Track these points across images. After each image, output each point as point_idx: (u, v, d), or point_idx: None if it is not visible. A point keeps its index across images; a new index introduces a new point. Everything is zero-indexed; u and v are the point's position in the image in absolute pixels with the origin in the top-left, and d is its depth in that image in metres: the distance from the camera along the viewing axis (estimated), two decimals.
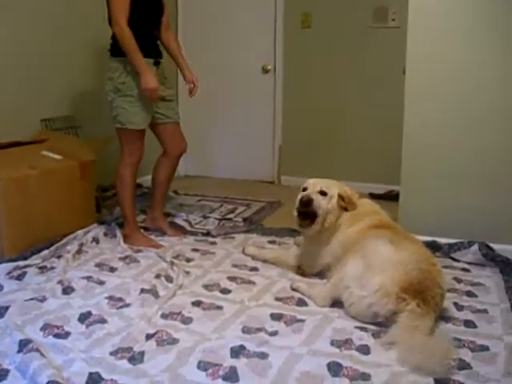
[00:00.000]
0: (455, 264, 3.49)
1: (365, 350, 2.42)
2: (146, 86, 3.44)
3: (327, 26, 5.46)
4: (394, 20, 5.17)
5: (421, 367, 2.22)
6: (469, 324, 2.68)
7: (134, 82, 3.54)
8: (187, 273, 3.27)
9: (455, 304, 2.89)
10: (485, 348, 2.44)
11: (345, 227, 3.17)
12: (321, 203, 3.18)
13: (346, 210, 3.22)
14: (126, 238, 3.82)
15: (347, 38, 5.39)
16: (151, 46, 3.70)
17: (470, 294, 3.04)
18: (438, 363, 2.22)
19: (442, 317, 2.72)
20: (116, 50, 3.56)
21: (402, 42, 3.77)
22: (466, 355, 2.38)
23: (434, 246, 3.62)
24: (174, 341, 2.48)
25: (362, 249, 2.85)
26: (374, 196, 5.19)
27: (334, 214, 3.20)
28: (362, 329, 2.59)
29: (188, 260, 3.50)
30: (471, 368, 2.28)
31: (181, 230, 4.08)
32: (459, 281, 3.22)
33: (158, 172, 3.94)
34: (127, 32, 3.41)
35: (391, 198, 4.83)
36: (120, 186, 3.76)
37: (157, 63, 3.70)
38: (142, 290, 3.01)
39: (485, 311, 2.82)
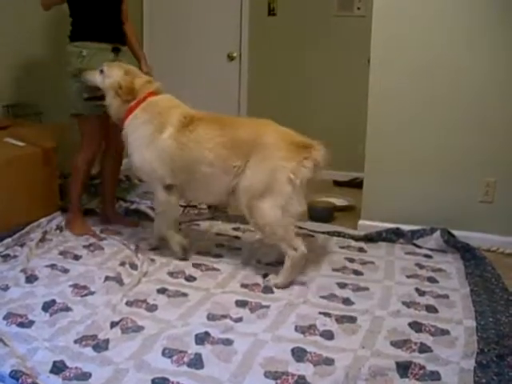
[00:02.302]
0: (418, 250, 3.55)
1: (328, 335, 2.46)
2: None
3: (293, 14, 5.46)
4: (359, 9, 5.20)
5: None
6: (430, 309, 2.73)
7: (90, 68, 3.45)
8: (152, 260, 3.26)
9: (417, 289, 2.95)
10: (445, 332, 2.50)
11: (147, 130, 3.17)
12: (94, 78, 3.30)
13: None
14: (67, 223, 3.81)
15: (312, 26, 5.40)
16: (111, 31, 3.63)
17: (431, 279, 3.10)
18: None
19: (404, 302, 2.78)
20: (74, 34, 3.55)
21: (367, 31, 3.80)
22: (427, 339, 2.43)
23: (397, 233, 3.68)
24: (139, 328, 2.48)
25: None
26: (338, 183, 5.25)
27: (110, 96, 3.25)
28: (325, 314, 2.63)
29: (153, 248, 3.48)
30: (432, 351, 2.33)
31: (144, 218, 4.08)
32: (421, 267, 3.28)
33: (106, 168, 3.91)
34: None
35: (356, 185, 4.89)
36: (73, 170, 3.74)
37: (115, 49, 3.63)
38: (107, 278, 3.00)
39: (446, 296, 2.89)
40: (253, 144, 3.00)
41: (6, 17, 4.10)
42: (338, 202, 4.53)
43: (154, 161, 3.13)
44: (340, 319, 2.60)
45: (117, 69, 3.28)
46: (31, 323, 2.51)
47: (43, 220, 3.75)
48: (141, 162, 3.19)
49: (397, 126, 3.75)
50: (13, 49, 4.19)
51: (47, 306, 2.66)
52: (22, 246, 3.42)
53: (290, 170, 2.92)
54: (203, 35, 5.80)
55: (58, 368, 2.16)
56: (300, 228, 3.89)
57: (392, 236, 3.69)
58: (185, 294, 2.84)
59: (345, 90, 5.35)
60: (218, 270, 3.17)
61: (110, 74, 3.25)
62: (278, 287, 2.94)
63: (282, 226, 2.94)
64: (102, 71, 3.28)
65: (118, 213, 4.12)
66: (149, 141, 3.14)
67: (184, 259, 3.29)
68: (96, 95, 3.35)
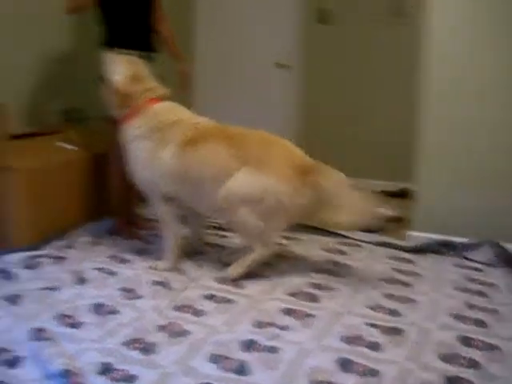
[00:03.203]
0: (467, 263, 3.49)
1: (375, 346, 2.42)
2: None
3: (343, 22, 5.44)
4: (410, 16, 5.14)
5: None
6: (479, 323, 2.67)
7: None
8: (199, 266, 3.28)
9: (466, 303, 2.89)
10: (495, 347, 2.44)
11: (147, 146, 3.11)
12: (109, 62, 3.27)
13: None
14: (116, 230, 3.85)
15: (363, 33, 5.37)
16: (140, 39, 3.69)
17: (481, 293, 3.04)
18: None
19: (452, 315, 2.73)
20: (107, 40, 3.61)
21: (418, 38, 3.76)
22: (476, 354, 2.37)
23: (446, 245, 3.62)
24: (186, 333, 2.50)
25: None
26: (386, 193, 5.19)
27: (108, 92, 3.22)
28: (372, 325, 2.60)
29: (201, 253, 3.50)
30: (481, 367, 2.28)
31: None
32: (471, 280, 3.21)
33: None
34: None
35: (404, 195, 4.82)
36: (110, 177, 3.79)
37: (145, 57, 3.66)
38: (154, 282, 3.03)
39: (495, 311, 2.82)
40: (257, 159, 2.96)
41: (60, 25, 4.21)
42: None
43: (154, 179, 3.13)
44: (386, 330, 2.56)
45: (123, 67, 3.21)
46: (80, 324, 2.55)
47: (93, 223, 3.82)
48: (140, 179, 3.20)
49: (449, 136, 3.69)
50: (67, 55, 4.29)
51: (96, 308, 2.70)
52: (72, 248, 3.48)
53: (281, 193, 2.90)
54: (253, 42, 5.82)
55: (105, 369, 2.19)
56: (347, 238, 3.89)
57: (441, 248, 3.63)
58: (231, 301, 2.84)
59: (395, 98, 5.30)
60: (265, 277, 3.17)
61: (116, 70, 3.20)
62: (233, 279, 3.00)
63: (258, 231, 2.97)
64: (114, 62, 3.24)
65: (140, 216, 4.15)
66: (149, 159, 3.10)
67: (169, 269, 3.25)
68: (102, 78, 3.29)
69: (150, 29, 3.79)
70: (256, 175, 2.92)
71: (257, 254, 3.04)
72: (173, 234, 3.28)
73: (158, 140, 3.08)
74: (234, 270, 3.06)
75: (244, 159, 2.96)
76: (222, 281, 3.02)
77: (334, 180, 2.99)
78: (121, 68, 3.20)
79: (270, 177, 2.90)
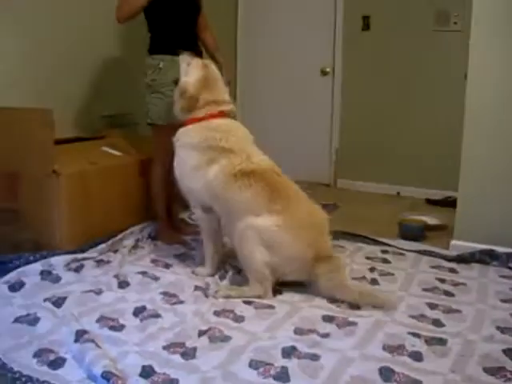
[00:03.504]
0: None
1: (417, 356, 2.38)
2: None
3: (387, 29, 5.41)
4: (455, 23, 5.08)
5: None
6: None
7: (164, 80, 3.59)
8: (239, 272, 3.28)
9: None
10: None
11: (196, 159, 3.06)
12: (183, 64, 3.22)
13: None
14: (157, 233, 3.88)
15: (407, 41, 5.33)
16: (187, 44, 3.67)
17: None
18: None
19: (498, 327, 2.66)
20: (153, 47, 3.67)
21: (463, 46, 3.72)
22: None
23: (491, 255, 3.55)
24: (226, 338, 2.50)
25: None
26: (430, 202, 5.14)
27: (176, 93, 3.20)
28: (414, 335, 2.56)
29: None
30: None
31: None
32: None
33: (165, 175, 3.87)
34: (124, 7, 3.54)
35: (448, 204, 4.75)
36: (152, 183, 3.82)
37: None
38: (196, 288, 3.05)
39: None
40: (291, 220, 2.90)
41: (108, 31, 4.28)
42: (430, 220, 4.41)
43: (196, 188, 3.10)
44: (429, 341, 2.51)
45: (196, 70, 3.17)
46: (122, 327, 2.58)
47: (136, 228, 3.86)
48: (183, 184, 3.19)
49: (494, 143, 3.62)
50: (112, 60, 4.35)
51: (138, 312, 2.73)
52: (115, 252, 3.54)
53: (294, 260, 2.91)
54: (296, 50, 5.85)
55: (146, 372, 2.21)
56: (389, 246, 3.85)
57: (486, 258, 3.56)
58: (271, 307, 2.84)
59: (440, 106, 5.24)
60: (304, 284, 3.15)
61: (189, 72, 3.17)
62: (216, 297, 2.95)
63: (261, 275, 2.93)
64: (189, 64, 3.20)
65: (182, 221, 4.20)
66: (194, 169, 3.06)
67: (210, 275, 3.26)
68: (175, 80, 3.28)
69: (196, 36, 3.83)
70: (282, 230, 2.86)
71: (251, 291, 2.96)
72: (212, 241, 3.28)
73: (207, 156, 3.03)
74: (223, 292, 2.99)
75: (277, 212, 2.89)
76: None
77: (333, 278, 2.90)
78: (194, 70, 3.17)
79: (292, 239, 2.87)
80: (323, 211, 3.08)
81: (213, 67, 3.28)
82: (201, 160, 3.04)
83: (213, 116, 3.11)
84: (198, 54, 3.79)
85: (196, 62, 3.22)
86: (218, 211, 3.13)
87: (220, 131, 3.06)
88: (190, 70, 3.18)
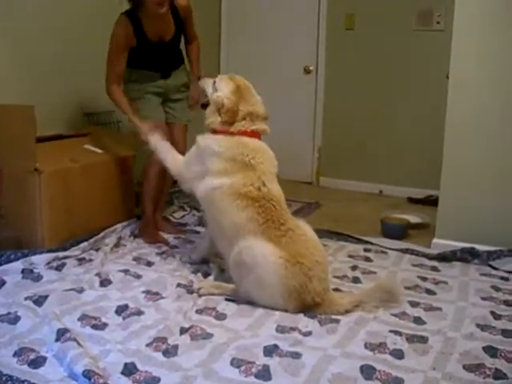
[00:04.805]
0: (494, 272, 3.43)
1: (399, 354, 2.40)
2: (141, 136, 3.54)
3: (371, 28, 5.43)
4: (438, 23, 5.12)
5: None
6: (506, 333, 2.62)
7: (140, 86, 3.71)
8: (222, 270, 3.28)
9: (492, 313, 2.84)
10: None
11: (217, 169, 2.97)
12: (208, 86, 3.18)
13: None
14: (139, 231, 3.88)
15: (390, 40, 5.36)
16: (161, 62, 3.77)
17: (508, 303, 2.98)
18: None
19: (478, 324, 2.69)
20: (129, 61, 3.68)
21: (446, 45, 3.74)
22: (503, 365, 2.33)
23: (472, 253, 3.58)
24: (208, 336, 2.50)
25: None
26: (413, 200, 5.17)
27: (210, 110, 3.11)
28: (396, 333, 2.57)
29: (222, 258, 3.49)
30: (507, 378, 2.24)
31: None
32: (497, 289, 3.16)
33: (159, 174, 3.86)
34: (115, 94, 3.64)
35: (430, 202, 4.79)
36: (144, 180, 3.85)
37: (165, 76, 3.79)
38: (179, 285, 3.05)
39: None
40: (294, 252, 2.78)
41: (92, 27, 4.26)
42: (412, 219, 4.44)
43: (200, 191, 3.05)
44: (411, 338, 2.53)
45: (226, 83, 3.09)
46: (104, 326, 2.57)
47: (118, 226, 3.84)
48: (186, 178, 3.19)
49: (475, 142, 3.66)
50: (95, 59, 4.33)
51: (120, 310, 2.72)
52: (97, 250, 3.52)
53: (284, 297, 2.77)
54: (280, 48, 5.86)
55: (128, 370, 2.21)
56: (372, 244, 3.87)
57: (467, 256, 3.59)
58: (253, 304, 2.83)
59: (422, 105, 5.27)
60: None
61: (218, 88, 3.09)
62: (199, 294, 2.95)
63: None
64: (214, 82, 3.15)
65: (167, 220, 4.19)
66: (206, 172, 3.01)
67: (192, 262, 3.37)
68: (206, 103, 3.21)
69: (177, 54, 3.90)
70: (281, 262, 2.74)
71: (233, 292, 2.94)
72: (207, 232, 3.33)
73: (226, 166, 2.95)
74: (206, 289, 2.98)
75: (279, 242, 2.81)
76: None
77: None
78: (224, 83, 3.09)
79: (286, 271, 2.74)
80: (322, 253, 2.95)
81: (239, 77, 3.20)
82: (219, 167, 2.96)
83: (246, 133, 3.04)
84: (178, 65, 3.90)
85: (220, 77, 3.18)
86: (207, 217, 3.15)
87: (249, 149, 2.99)
88: (219, 85, 3.11)
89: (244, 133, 3.02)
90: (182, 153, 3.41)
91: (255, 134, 3.06)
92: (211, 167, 2.99)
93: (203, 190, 3.01)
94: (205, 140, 3.07)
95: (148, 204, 3.86)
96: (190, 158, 3.17)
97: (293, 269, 2.72)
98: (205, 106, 3.21)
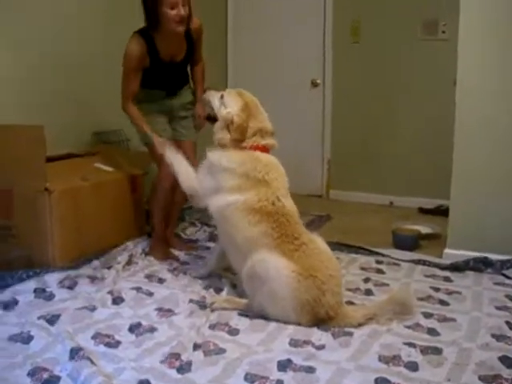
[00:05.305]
0: (507, 281, 3.41)
1: (413, 366, 2.38)
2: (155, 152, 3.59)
3: (376, 40, 5.45)
4: (444, 32, 5.13)
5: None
6: None
7: (147, 106, 3.70)
8: (234, 286, 3.27)
9: (507, 322, 2.81)
10: None
11: (230, 185, 2.96)
12: (214, 101, 3.17)
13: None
14: (150, 249, 3.87)
15: (396, 51, 5.37)
16: (169, 82, 3.79)
17: None
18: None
19: (493, 334, 2.67)
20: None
21: (452, 54, 3.74)
22: None
23: (485, 263, 3.56)
24: (221, 351, 2.50)
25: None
26: (423, 211, 5.15)
27: (219, 126, 3.10)
28: (410, 345, 2.56)
29: (234, 273, 3.49)
30: None
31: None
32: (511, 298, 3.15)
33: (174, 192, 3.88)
34: (131, 111, 3.66)
35: (441, 212, 4.77)
36: (153, 197, 3.84)
37: (170, 94, 3.82)
38: (191, 301, 3.05)
39: None
40: (307, 266, 2.77)
41: (99, 47, 4.30)
42: (423, 229, 4.42)
43: (212, 208, 3.05)
44: (425, 350, 2.52)
45: (235, 99, 3.09)
46: (118, 343, 2.57)
47: (129, 244, 3.85)
48: (199, 181, 3.16)
49: (485, 150, 3.64)
50: (103, 79, 4.36)
51: (133, 328, 2.72)
52: (109, 268, 3.51)
53: (296, 312, 2.75)
54: (287, 62, 5.88)
55: None
56: (383, 256, 3.85)
57: (480, 265, 3.57)
58: (266, 318, 2.82)
59: (429, 115, 5.27)
60: None
61: (227, 103, 3.10)
62: (212, 308, 2.94)
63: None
64: (222, 96, 3.15)
65: (178, 236, 4.19)
66: (219, 188, 3.00)
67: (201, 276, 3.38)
68: (210, 116, 3.24)
69: (184, 76, 3.92)
70: (294, 276, 2.73)
71: (246, 307, 2.93)
72: (218, 247, 3.32)
73: (239, 182, 2.95)
74: (219, 304, 2.98)
75: (292, 256, 2.80)
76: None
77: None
78: (232, 100, 3.09)
79: (301, 287, 2.73)
80: (336, 266, 2.95)
81: (247, 93, 3.20)
82: (232, 184, 2.96)
83: (257, 148, 3.05)
84: (184, 85, 3.92)
85: (228, 92, 3.18)
86: (220, 232, 3.15)
87: (262, 164, 2.99)
88: (228, 101, 3.10)
89: (256, 148, 3.03)
90: (193, 165, 3.43)
91: (266, 149, 3.07)
92: (224, 184, 2.98)
93: (217, 206, 3.01)
94: (215, 155, 3.06)
95: (158, 221, 3.85)
96: (202, 174, 3.15)
97: (306, 282, 2.71)
98: (210, 118, 3.23)
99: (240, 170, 2.96)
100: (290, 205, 3.00)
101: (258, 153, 3.02)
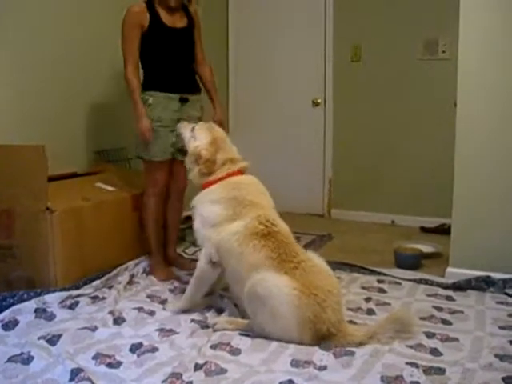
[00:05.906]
0: (510, 300, 3.39)
1: None
2: (137, 130, 3.62)
3: (377, 59, 5.47)
4: (444, 52, 5.15)
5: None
6: None
7: (151, 115, 3.65)
8: (235, 305, 3.26)
9: (511, 342, 2.79)
10: None
11: (219, 213, 3.00)
12: (185, 133, 3.24)
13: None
14: (150, 269, 3.86)
15: (397, 70, 5.39)
16: (179, 82, 3.76)
17: None
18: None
19: (497, 354, 2.64)
20: (145, 84, 3.71)
21: (452, 74, 3.75)
22: None
23: (487, 282, 3.54)
24: (223, 371, 2.48)
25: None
26: (425, 230, 5.14)
27: (188, 160, 3.20)
28: (412, 365, 2.54)
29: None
30: None
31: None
32: None
33: (168, 211, 3.95)
34: (131, 83, 3.61)
35: (443, 231, 4.76)
36: (144, 216, 3.84)
37: (183, 100, 3.75)
38: (192, 321, 3.04)
39: None
40: (307, 284, 2.77)
41: (100, 66, 4.32)
42: (425, 248, 4.42)
43: (211, 241, 3.03)
44: (428, 370, 2.49)
45: (204, 134, 3.19)
46: (119, 364, 2.55)
47: (131, 263, 3.84)
48: (200, 236, 3.12)
49: (486, 169, 3.65)
50: (106, 99, 4.38)
51: (134, 348, 2.70)
52: (110, 288, 3.50)
53: (297, 331, 2.74)
54: (288, 81, 5.91)
55: None
56: (385, 275, 3.84)
57: (482, 284, 3.55)
58: (267, 338, 2.80)
59: (430, 134, 5.28)
60: None
61: (197, 137, 3.20)
62: (214, 329, 2.94)
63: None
64: (193, 129, 3.23)
65: (180, 256, 4.18)
66: (215, 222, 3.01)
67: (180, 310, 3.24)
68: (183, 148, 3.34)
69: (192, 71, 3.89)
70: (295, 294, 2.72)
71: (247, 326, 2.92)
72: (201, 289, 3.20)
73: (232, 210, 2.99)
74: (221, 324, 2.97)
75: (293, 274, 2.79)
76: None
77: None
78: (202, 133, 3.18)
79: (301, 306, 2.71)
80: (335, 284, 2.93)
81: (217, 127, 3.31)
82: (225, 214, 2.99)
83: (233, 174, 3.12)
84: (195, 90, 3.87)
85: (200, 126, 3.25)
86: (225, 266, 3.06)
87: (244, 186, 3.07)
88: (197, 135, 3.19)
89: (232, 174, 3.11)
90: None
91: (241, 173, 3.16)
92: (220, 215, 3.01)
93: (219, 239, 3.00)
94: (200, 198, 3.13)
95: (152, 240, 3.85)
96: (200, 229, 3.12)
97: (307, 300, 2.70)
98: (182, 151, 3.34)
99: (229, 196, 3.02)
100: (282, 224, 3.03)
101: (236, 177, 3.11)
